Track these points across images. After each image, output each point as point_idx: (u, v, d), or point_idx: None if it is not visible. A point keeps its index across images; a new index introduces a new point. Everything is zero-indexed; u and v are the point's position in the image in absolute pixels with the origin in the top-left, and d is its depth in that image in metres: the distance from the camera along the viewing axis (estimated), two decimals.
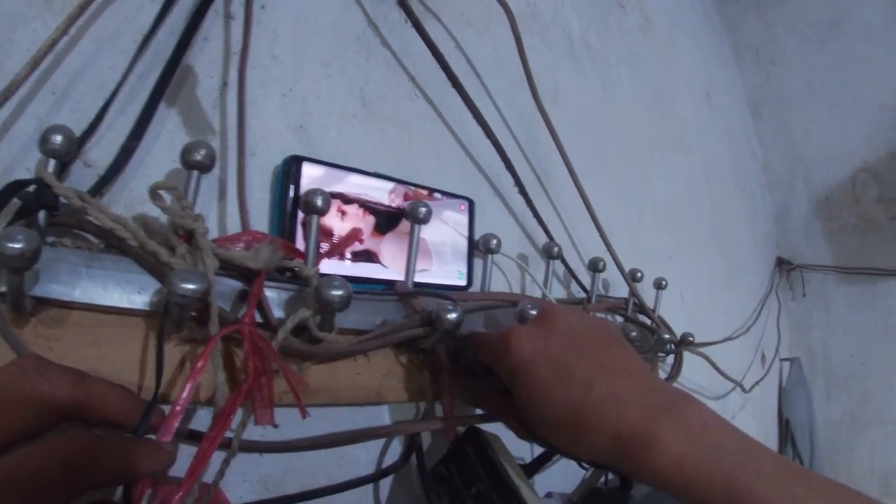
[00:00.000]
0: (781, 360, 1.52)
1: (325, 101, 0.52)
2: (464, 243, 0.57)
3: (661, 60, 1.16)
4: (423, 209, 0.49)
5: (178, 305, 0.34)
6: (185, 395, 0.31)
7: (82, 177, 0.39)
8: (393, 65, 0.58)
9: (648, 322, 0.78)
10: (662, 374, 0.81)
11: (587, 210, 0.71)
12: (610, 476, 0.60)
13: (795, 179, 1.65)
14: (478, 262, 0.58)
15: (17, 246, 0.29)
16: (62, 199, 0.34)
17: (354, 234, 0.47)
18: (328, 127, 0.52)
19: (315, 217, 0.43)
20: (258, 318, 0.39)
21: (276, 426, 0.38)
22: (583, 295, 0.72)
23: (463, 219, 0.57)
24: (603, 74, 0.94)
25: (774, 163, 1.69)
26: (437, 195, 0.55)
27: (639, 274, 0.76)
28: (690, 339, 0.80)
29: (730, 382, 1.09)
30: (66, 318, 0.34)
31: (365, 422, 0.46)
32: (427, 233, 0.53)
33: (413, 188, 0.53)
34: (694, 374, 0.95)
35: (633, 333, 0.65)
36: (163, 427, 0.31)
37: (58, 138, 0.34)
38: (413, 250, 0.49)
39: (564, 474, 0.63)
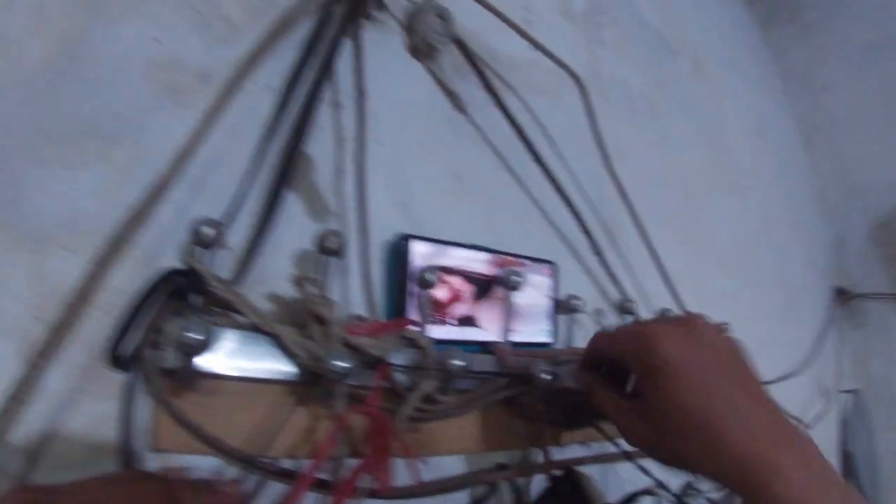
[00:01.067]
0: (841, 391, 1.49)
1: (423, 179, 0.56)
2: (549, 304, 0.60)
3: (712, 101, 1.17)
4: (516, 278, 0.52)
5: (330, 379, 0.38)
6: (309, 471, 0.36)
7: (223, 258, 0.43)
8: (479, 141, 0.62)
9: None
10: None
11: (655, 263, 0.74)
12: None
13: (851, 207, 1.58)
14: (560, 319, 0.62)
15: (196, 337, 0.34)
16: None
17: (454, 297, 0.51)
18: (427, 202, 0.56)
19: (427, 292, 0.47)
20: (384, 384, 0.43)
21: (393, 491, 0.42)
22: None
23: (548, 281, 0.60)
24: (660, 126, 0.96)
25: (829, 191, 1.62)
26: (526, 261, 0.59)
27: None
28: None
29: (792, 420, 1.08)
30: (220, 387, 0.39)
31: (461, 469, 0.50)
32: (518, 296, 0.56)
33: (505, 257, 0.57)
34: None
35: None
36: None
37: (208, 230, 0.39)
38: (508, 314, 0.52)
39: None
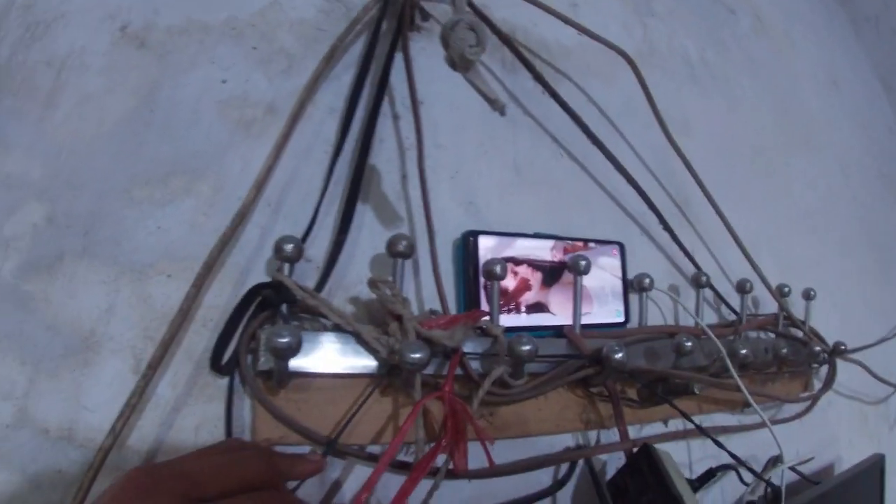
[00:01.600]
0: None
1: (485, 177, 0.58)
2: (619, 284, 0.60)
3: (779, 58, 1.12)
4: (583, 262, 0.53)
5: (406, 371, 0.41)
6: (389, 452, 0.38)
7: (305, 269, 0.47)
8: (537, 131, 0.64)
9: (800, 335, 0.77)
10: (817, 385, 0.79)
11: (729, 233, 0.72)
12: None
13: None
14: (633, 299, 0.62)
15: (285, 340, 0.37)
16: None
17: (523, 286, 0.52)
18: (491, 198, 0.57)
19: (496, 283, 0.48)
20: (459, 372, 0.45)
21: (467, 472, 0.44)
22: (733, 317, 0.72)
23: (616, 262, 0.60)
24: (725, 89, 0.93)
25: None
26: (592, 244, 0.59)
27: (786, 289, 0.75)
28: (842, 347, 0.78)
29: (889, 386, 1.00)
30: (311, 384, 0.43)
31: (536, 451, 0.51)
32: (586, 279, 0.57)
33: (570, 242, 0.57)
34: (851, 381, 0.91)
35: (784, 350, 0.66)
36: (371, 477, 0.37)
37: (289, 247, 0.42)
38: (577, 298, 0.53)
39: (723, 491, 0.65)
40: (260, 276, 0.45)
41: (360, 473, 0.44)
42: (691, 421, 0.54)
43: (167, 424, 0.40)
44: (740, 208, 0.79)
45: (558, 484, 0.51)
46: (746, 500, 0.58)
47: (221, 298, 0.43)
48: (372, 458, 0.43)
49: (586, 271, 0.53)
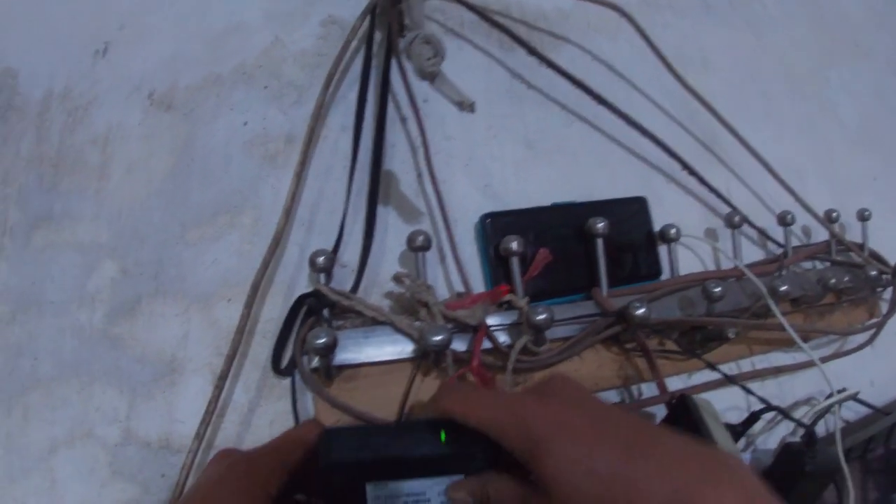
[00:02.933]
0: None
1: (498, 158, 0.64)
2: (645, 239, 0.64)
3: None
4: (599, 224, 0.57)
5: (434, 353, 0.48)
6: None
7: (342, 274, 0.54)
8: (544, 102, 0.68)
9: (859, 260, 0.76)
10: (884, 308, 0.78)
11: (762, 164, 0.73)
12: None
13: None
14: (663, 250, 0.65)
15: (322, 341, 0.45)
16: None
17: (543, 258, 0.57)
18: (507, 177, 0.63)
19: (514, 258, 0.54)
20: (489, 345, 0.51)
21: None
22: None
23: (641, 217, 0.64)
24: (747, 14, 0.92)
25: None
26: (614, 204, 0.63)
27: (834, 213, 0.75)
28: None
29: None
30: (358, 374, 0.50)
31: None
32: (610, 239, 0.61)
33: (587, 206, 0.62)
34: None
35: (832, 280, 0.67)
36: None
37: (320, 259, 0.50)
38: (599, 259, 0.58)
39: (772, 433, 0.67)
40: (304, 288, 0.53)
41: None
42: (716, 369, 0.57)
43: (245, 423, 0.49)
44: (779, 136, 0.80)
45: None
46: (787, 440, 0.60)
47: (275, 312, 0.52)
48: None
49: (604, 232, 0.57)
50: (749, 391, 0.57)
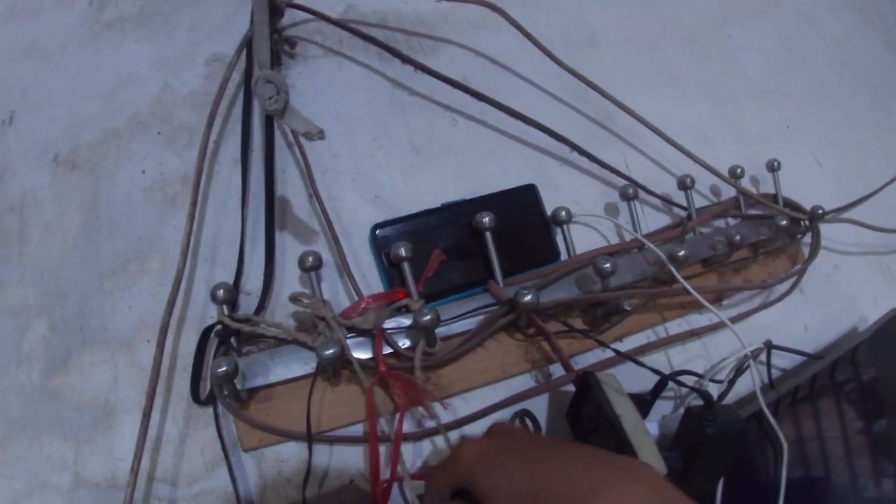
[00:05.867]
0: None
1: (385, 168, 0.72)
2: (540, 224, 0.73)
3: None
4: (485, 218, 0.66)
5: (330, 365, 0.57)
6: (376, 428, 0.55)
7: (248, 302, 0.63)
8: (427, 106, 0.77)
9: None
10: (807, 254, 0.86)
11: (655, 133, 0.80)
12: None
13: None
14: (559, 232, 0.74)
15: (223, 369, 0.54)
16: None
17: (436, 258, 0.66)
18: (396, 184, 0.72)
19: (406, 263, 0.63)
20: (389, 350, 0.61)
21: (434, 416, 0.59)
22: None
23: (532, 205, 0.73)
24: None
25: None
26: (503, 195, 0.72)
27: (739, 170, 0.82)
28: (820, 210, 0.82)
29: None
30: (272, 393, 0.59)
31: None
32: (501, 230, 0.68)
33: (475, 202, 0.71)
34: (862, 238, 0.96)
35: (737, 237, 0.73)
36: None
37: (220, 292, 0.59)
38: (491, 251, 0.67)
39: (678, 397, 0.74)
40: (214, 320, 0.62)
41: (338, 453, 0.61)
42: (605, 345, 0.67)
43: (179, 452, 0.58)
44: (681, 102, 0.88)
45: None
46: (689, 405, 0.64)
47: (191, 346, 0.61)
48: (346, 440, 0.60)
49: (492, 225, 0.66)
50: (639, 363, 0.63)
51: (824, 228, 0.88)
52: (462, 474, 0.46)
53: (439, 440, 0.61)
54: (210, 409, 0.59)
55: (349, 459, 0.60)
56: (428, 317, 0.58)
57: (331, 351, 0.55)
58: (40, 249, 0.65)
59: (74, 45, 0.76)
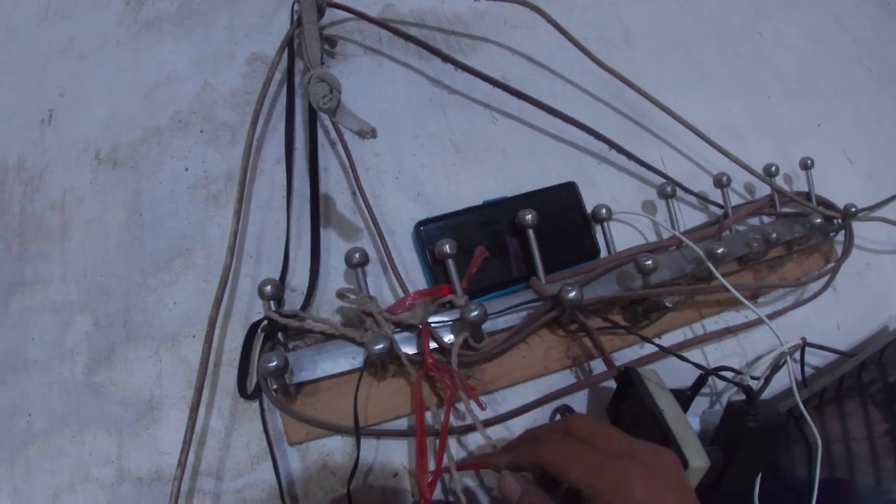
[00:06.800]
0: None
1: (427, 166, 0.74)
2: (579, 221, 0.75)
3: None
4: (528, 216, 0.68)
5: (379, 359, 0.59)
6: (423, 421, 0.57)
7: (293, 298, 0.65)
8: (467, 104, 0.79)
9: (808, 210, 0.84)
10: (840, 252, 0.87)
11: (690, 130, 0.82)
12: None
13: None
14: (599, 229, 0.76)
15: (273, 364, 0.55)
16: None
17: (480, 255, 0.68)
18: (438, 183, 0.74)
19: (450, 260, 0.65)
20: (434, 345, 0.62)
21: (484, 408, 0.61)
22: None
23: (573, 201, 0.75)
24: None
25: None
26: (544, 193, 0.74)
27: (773, 168, 0.84)
28: (853, 208, 0.84)
29: None
30: (318, 388, 0.61)
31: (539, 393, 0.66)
32: (544, 227, 0.70)
33: (518, 198, 0.73)
34: (881, 237, 0.97)
35: (773, 235, 0.75)
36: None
37: (268, 288, 0.61)
38: (533, 249, 0.69)
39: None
40: (260, 316, 0.64)
41: (385, 446, 0.62)
42: (649, 341, 0.68)
43: (225, 447, 0.60)
44: (713, 99, 0.90)
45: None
46: (731, 400, 0.66)
47: (236, 342, 0.63)
48: (390, 433, 0.62)
49: (534, 223, 0.68)
50: (683, 358, 0.65)
51: (857, 227, 0.90)
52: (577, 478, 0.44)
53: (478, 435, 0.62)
54: (255, 404, 0.61)
55: (392, 453, 0.62)
56: (475, 312, 0.59)
57: (380, 346, 0.57)
58: (82, 246, 0.67)
59: (112, 44, 0.78)
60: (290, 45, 0.73)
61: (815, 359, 0.81)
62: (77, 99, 0.75)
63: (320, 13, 0.74)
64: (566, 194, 0.75)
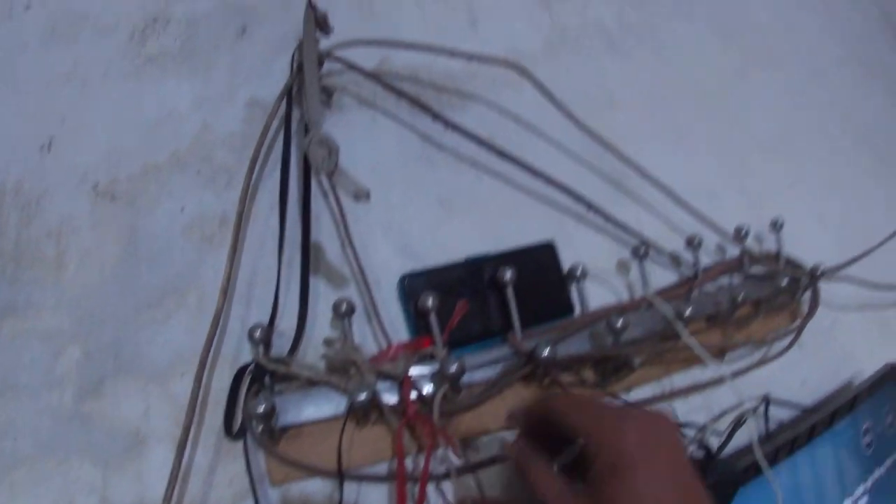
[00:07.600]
0: None
1: (415, 220, 0.79)
2: (556, 280, 0.80)
3: None
4: (507, 273, 0.73)
5: (361, 408, 0.63)
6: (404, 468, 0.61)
7: (281, 342, 0.69)
8: (454, 161, 0.84)
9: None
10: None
11: (663, 192, 0.88)
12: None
13: None
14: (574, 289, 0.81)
15: (261, 408, 0.59)
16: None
17: (460, 310, 0.72)
18: (424, 237, 0.78)
19: (432, 314, 0.70)
20: (415, 396, 0.67)
21: (461, 458, 0.65)
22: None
23: (550, 260, 0.80)
24: (653, 44, 1.08)
25: None
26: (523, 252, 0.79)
27: (743, 231, 0.89)
28: (819, 270, 0.90)
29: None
30: (302, 432, 0.65)
31: None
32: (520, 285, 0.75)
33: (498, 256, 0.78)
34: (859, 294, 1.03)
35: (741, 295, 0.80)
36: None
37: (257, 332, 0.65)
38: (511, 305, 0.74)
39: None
40: (248, 357, 0.67)
41: (368, 489, 0.67)
42: (616, 397, 0.73)
43: (208, 483, 0.63)
44: (690, 159, 0.96)
45: None
46: (691, 454, 0.71)
47: (224, 382, 0.66)
48: (371, 477, 0.66)
49: (513, 280, 0.73)
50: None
51: (824, 285, 0.96)
52: (608, 454, 0.45)
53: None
54: (240, 444, 0.64)
55: (372, 497, 0.66)
56: (454, 367, 0.64)
57: (363, 396, 0.61)
58: (77, 277, 0.70)
59: (115, 75, 0.81)
60: (289, 95, 0.77)
61: (781, 413, 0.87)
62: (78, 126, 0.77)
63: (320, 64, 0.78)
64: (544, 254, 0.80)
